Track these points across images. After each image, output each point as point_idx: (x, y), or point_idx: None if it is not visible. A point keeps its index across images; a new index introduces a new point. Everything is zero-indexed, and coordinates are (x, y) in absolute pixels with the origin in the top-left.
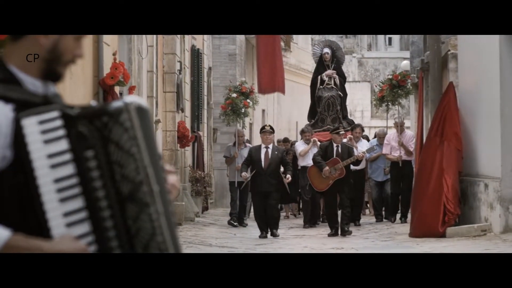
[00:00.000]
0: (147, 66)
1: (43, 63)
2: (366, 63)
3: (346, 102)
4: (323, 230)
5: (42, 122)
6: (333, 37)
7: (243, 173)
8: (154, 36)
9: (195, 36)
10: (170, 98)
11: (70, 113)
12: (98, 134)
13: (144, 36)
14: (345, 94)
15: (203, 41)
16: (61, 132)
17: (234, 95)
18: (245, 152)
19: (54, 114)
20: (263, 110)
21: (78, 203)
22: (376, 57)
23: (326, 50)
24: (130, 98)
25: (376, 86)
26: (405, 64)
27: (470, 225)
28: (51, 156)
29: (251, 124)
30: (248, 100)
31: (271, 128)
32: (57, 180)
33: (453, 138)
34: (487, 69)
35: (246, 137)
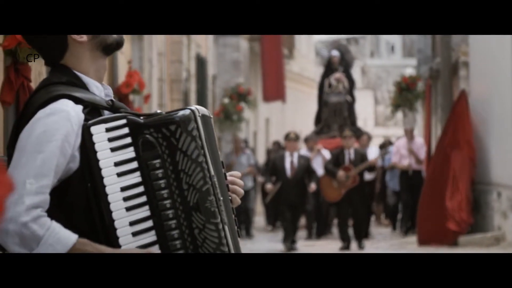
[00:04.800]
0: (157, 74)
1: (97, 49)
2: (369, 71)
3: (354, 108)
4: (331, 241)
5: (109, 130)
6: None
7: (268, 186)
8: (163, 43)
9: (199, 43)
10: (178, 106)
11: (138, 121)
12: (166, 142)
13: (154, 44)
14: (354, 99)
15: (206, 49)
16: (128, 139)
17: (226, 100)
18: (244, 159)
19: (122, 121)
20: (267, 119)
21: (145, 212)
22: (379, 65)
23: (335, 52)
24: (194, 106)
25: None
26: (409, 73)
27: (483, 234)
28: (118, 164)
29: (255, 133)
30: (242, 104)
31: (296, 135)
32: (124, 189)
33: (465, 146)
34: (499, 76)
35: (251, 145)
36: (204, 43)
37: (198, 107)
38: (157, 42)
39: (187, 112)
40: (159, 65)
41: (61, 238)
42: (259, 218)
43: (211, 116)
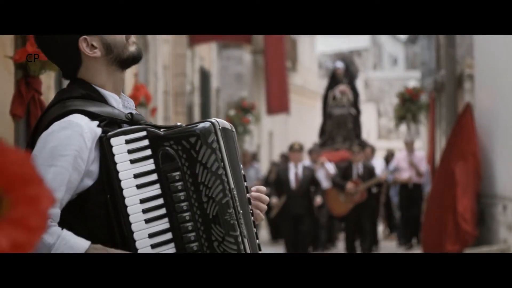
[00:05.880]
0: (162, 87)
1: (112, 63)
2: (372, 84)
3: (360, 120)
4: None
5: (129, 141)
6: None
7: (273, 200)
8: (168, 56)
9: (203, 56)
10: (182, 119)
11: (157, 133)
12: (185, 154)
13: (159, 57)
14: (358, 112)
15: (210, 62)
16: (148, 151)
17: (232, 113)
18: (252, 173)
19: (142, 133)
20: (270, 132)
21: (164, 224)
22: (382, 78)
23: (339, 64)
24: (214, 119)
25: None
26: (412, 85)
27: (488, 247)
28: (138, 176)
29: (258, 146)
30: (248, 117)
31: (300, 146)
32: (144, 201)
33: (470, 158)
34: (504, 88)
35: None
36: (207, 56)
37: (219, 120)
38: (162, 55)
39: (207, 124)
40: (164, 78)
41: (73, 246)
42: (263, 232)
43: (233, 130)
